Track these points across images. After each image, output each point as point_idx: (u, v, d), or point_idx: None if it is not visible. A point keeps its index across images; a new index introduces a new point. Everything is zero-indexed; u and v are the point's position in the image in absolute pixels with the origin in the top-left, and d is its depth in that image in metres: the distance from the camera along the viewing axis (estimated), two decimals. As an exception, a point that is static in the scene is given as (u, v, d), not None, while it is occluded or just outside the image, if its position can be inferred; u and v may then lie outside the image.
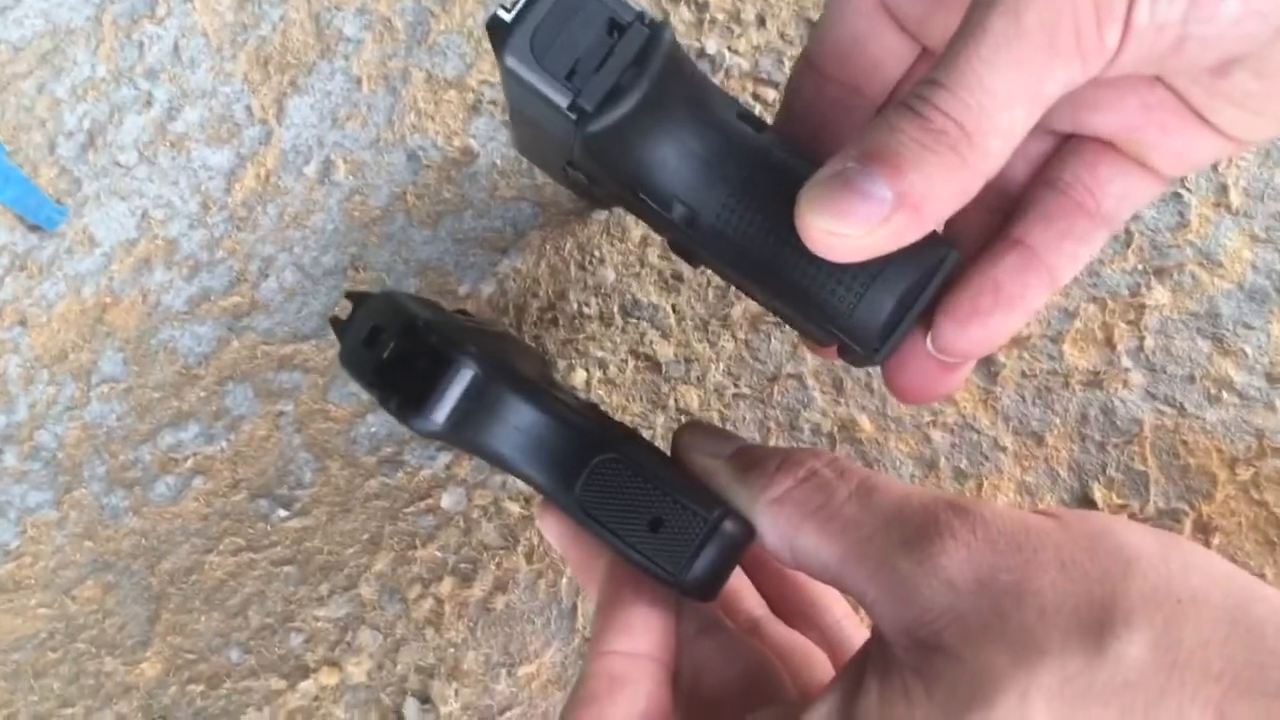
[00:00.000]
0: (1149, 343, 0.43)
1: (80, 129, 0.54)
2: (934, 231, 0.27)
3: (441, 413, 0.29)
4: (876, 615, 0.26)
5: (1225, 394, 0.42)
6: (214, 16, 0.54)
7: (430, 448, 0.48)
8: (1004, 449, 0.44)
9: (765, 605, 0.36)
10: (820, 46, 0.32)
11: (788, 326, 0.44)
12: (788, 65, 0.47)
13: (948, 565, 0.24)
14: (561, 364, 0.47)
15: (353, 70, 0.52)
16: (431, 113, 0.51)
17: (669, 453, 0.34)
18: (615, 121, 0.29)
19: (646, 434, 0.46)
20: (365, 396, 0.49)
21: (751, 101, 0.48)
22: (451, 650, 0.47)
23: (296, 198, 0.51)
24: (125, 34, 0.55)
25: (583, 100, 0.28)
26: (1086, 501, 0.43)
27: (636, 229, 0.48)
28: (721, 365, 0.46)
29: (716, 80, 0.48)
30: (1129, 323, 0.43)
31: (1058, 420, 0.43)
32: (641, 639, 0.30)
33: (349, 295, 0.33)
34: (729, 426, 0.46)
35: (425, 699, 0.47)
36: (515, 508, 0.47)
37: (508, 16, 0.28)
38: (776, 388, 0.46)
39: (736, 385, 0.46)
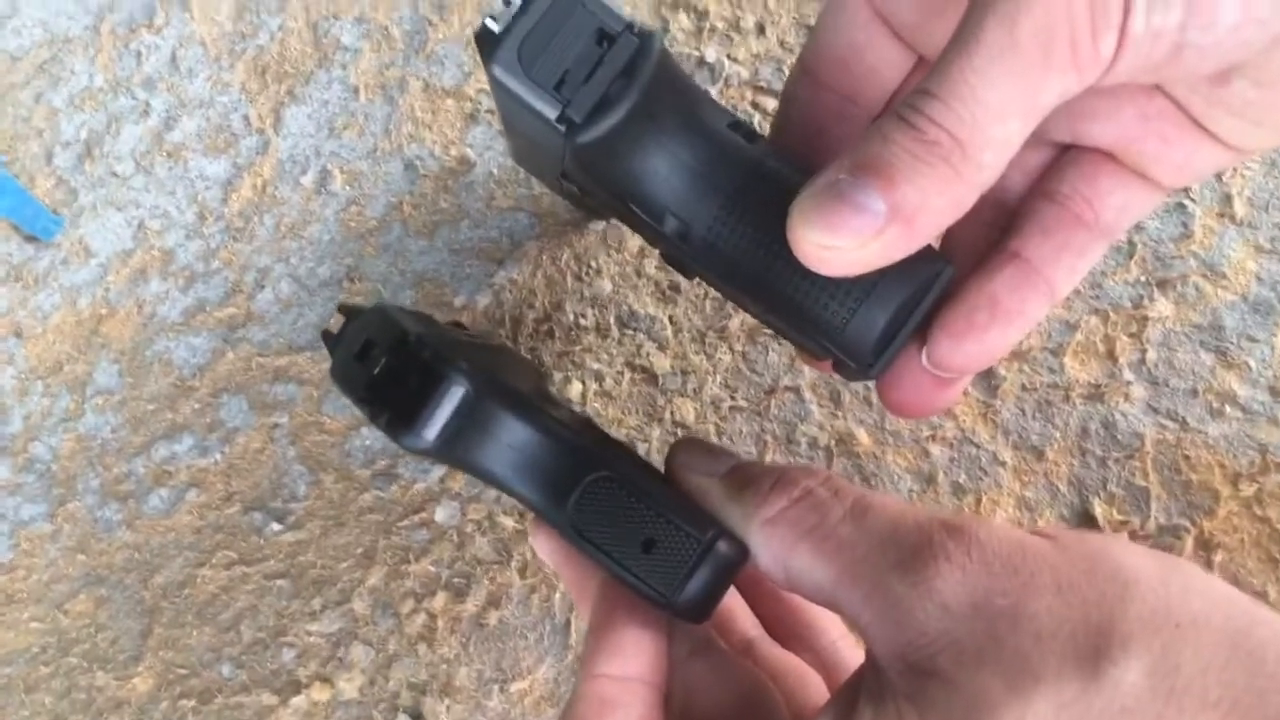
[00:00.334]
0: (1151, 355, 0.42)
1: (77, 139, 0.54)
2: (929, 245, 0.27)
3: (432, 430, 0.29)
4: (870, 638, 0.26)
5: (1228, 408, 0.41)
6: (212, 26, 0.54)
7: (424, 461, 0.48)
8: (1003, 463, 0.43)
9: (760, 626, 0.36)
10: (815, 54, 0.32)
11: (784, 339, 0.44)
12: (787, 73, 0.47)
13: (942, 588, 0.24)
14: (558, 376, 0.47)
15: (350, 79, 0.52)
16: (429, 122, 0.51)
17: (663, 469, 0.33)
18: (605, 133, 0.28)
19: (642, 447, 0.46)
20: (360, 409, 0.49)
21: (751, 110, 0.47)
22: (444, 666, 0.46)
23: (293, 208, 0.51)
24: (123, 44, 0.55)
25: (571, 111, 0.28)
26: (1087, 517, 0.42)
27: (633, 240, 0.47)
28: (718, 378, 0.46)
29: (716, 88, 0.48)
30: (1131, 335, 0.43)
31: (1058, 434, 0.43)
32: (633, 662, 0.29)
33: (341, 309, 0.33)
34: (726, 440, 0.45)
35: (417, 715, 0.46)
36: (509, 522, 0.47)
37: (496, 27, 0.28)
38: (773, 401, 0.45)
39: (733, 398, 0.45)
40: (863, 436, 0.44)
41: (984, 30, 0.23)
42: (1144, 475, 0.42)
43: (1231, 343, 0.42)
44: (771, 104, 0.47)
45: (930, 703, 0.23)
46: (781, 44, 0.48)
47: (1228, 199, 0.43)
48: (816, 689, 0.33)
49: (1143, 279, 0.43)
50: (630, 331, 0.47)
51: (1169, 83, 0.27)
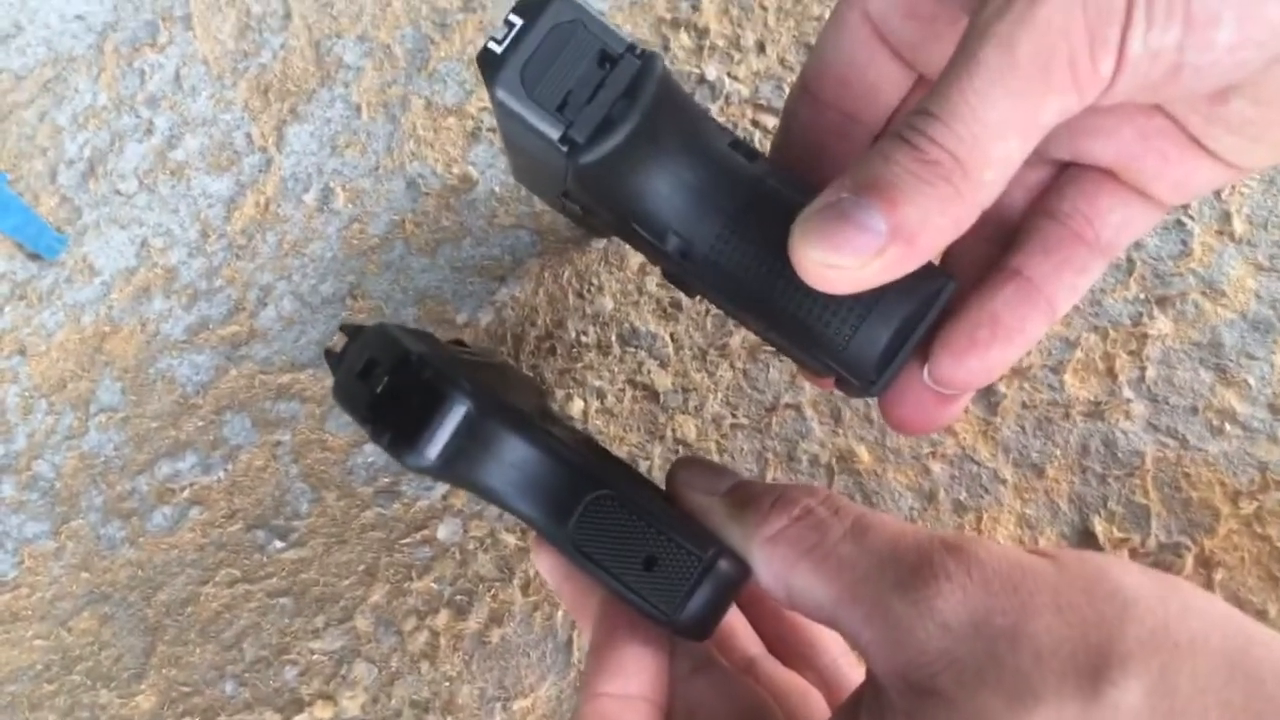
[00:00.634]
0: (1151, 373, 0.42)
1: (81, 157, 0.54)
2: (930, 262, 0.27)
3: (434, 449, 0.29)
4: (871, 657, 0.26)
5: (1228, 426, 0.41)
6: (215, 44, 0.54)
7: (426, 479, 0.48)
8: (1004, 481, 0.43)
9: (761, 644, 0.36)
10: (816, 72, 0.32)
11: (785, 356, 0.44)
12: (787, 91, 0.47)
13: (942, 608, 0.24)
14: (559, 393, 0.47)
15: (352, 98, 0.52)
16: (431, 140, 0.51)
17: (664, 487, 0.33)
18: (607, 153, 0.28)
19: (643, 465, 0.46)
20: (362, 426, 0.49)
21: (751, 128, 0.48)
22: (446, 684, 0.46)
23: (296, 226, 0.51)
24: (127, 62, 0.55)
25: (574, 132, 0.28)
26: (1087, 535, 0.42)
27: (635, 257, 0.48)
28: (719, 395, 0.46)
29: (716, 106, 0.48)
30: (1130, 353, 0.43)
31: (1058, 452, 0.43)
32: (634, 680, 0.29)
33: (343, 328, 0.33)
34: (727, 457, 0.45)
35: (420, 733, 0.46)
36: (511, 539, 0.47)
37: (498, 48, 0.28)
38: (774, 418, 0.45)
39: (734, 415, 0.46)
40: (864, 454, 0.44)
41: (983, 50, 0.23)
42: (1144, 493, 0.42)
43: (1231, 360, 0.42)
44: (772, 122, 0.47)
45: (931, 722, 0.23)
46: (782, 62, 0.48)
47: (1227, 216, 0.43)
48: (818, 707, 0.33)
49: (1142, 296, 0.43)
50: (632, 349, 0.47)
51: (1168, 101, 0.27)
